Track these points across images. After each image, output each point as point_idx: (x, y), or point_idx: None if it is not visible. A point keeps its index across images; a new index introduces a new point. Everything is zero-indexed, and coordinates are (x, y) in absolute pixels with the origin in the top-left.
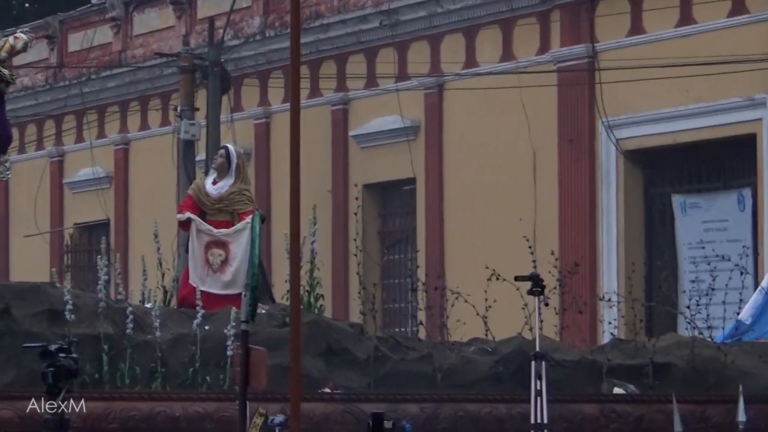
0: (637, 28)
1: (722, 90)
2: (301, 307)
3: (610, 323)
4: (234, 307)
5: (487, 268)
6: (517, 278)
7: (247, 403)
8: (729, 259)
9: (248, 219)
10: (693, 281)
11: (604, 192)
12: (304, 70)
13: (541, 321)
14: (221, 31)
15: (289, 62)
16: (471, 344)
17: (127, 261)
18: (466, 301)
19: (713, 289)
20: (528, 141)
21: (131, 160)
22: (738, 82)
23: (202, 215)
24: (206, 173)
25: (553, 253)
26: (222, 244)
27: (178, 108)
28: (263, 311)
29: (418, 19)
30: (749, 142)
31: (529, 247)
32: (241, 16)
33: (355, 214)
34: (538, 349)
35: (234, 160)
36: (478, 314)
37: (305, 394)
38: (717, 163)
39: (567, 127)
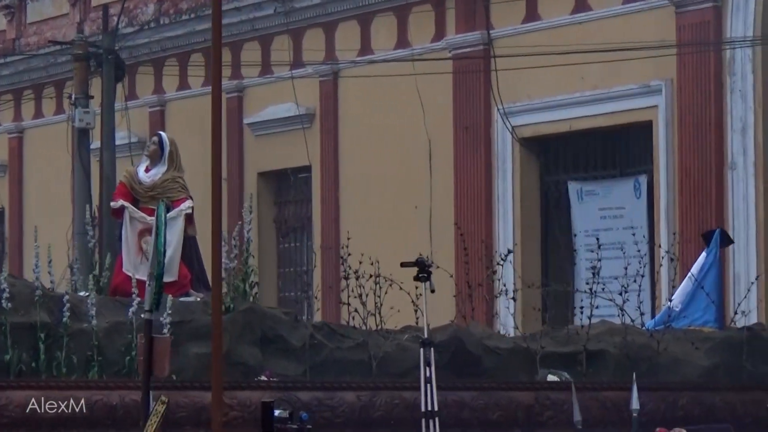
0: (532, 14)
1: (618, 77)
2: (235, 295)
3: (541, 310)
4: (170, 295)
5: (420, 254)
6: (403, 264)
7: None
8: (663, 246)
9: (182, 207)
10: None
11: (499, 180)
12: (199, 58)
13: (474, 309)
14: (115, 18)
15: (183, 50)
16: (405, 332)
17: (21, 250)
18: (401, 288)
19: (616, 278)
20: (423, 129)
21: (25, 149)
22: (634, 68)
23: (135, 203)
24: (101, 161)
25: (483, 241)
26: (151, 232)
27: (73, 96)
28: (198, 299)
29: (312, 6)
30: (645, 128)
31: (461, 234)
32: (136, 3)
33: (290, 202)
34: (426, 335)
35: (167, 148)
36: (411, 301)
37: (242, 382)
38: (613, 150)
39: (462, 115)
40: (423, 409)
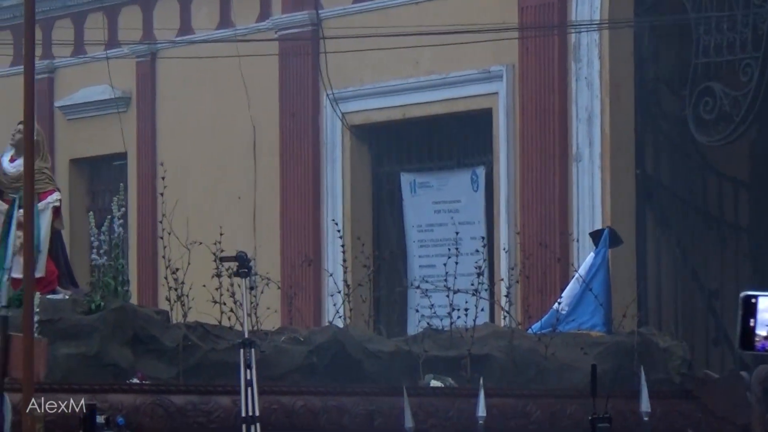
0: None
1: (456, 62)
2: (105, 293)
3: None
4: (38, 293)
5: (306, 256)
6: (222, 259)
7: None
8: (503, 244)
9: (49, 199)
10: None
11: (328, 170)
12: (7, 36)
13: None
14: None
15: None
16: (282, 333)
17: None
18: (279, 287)
19: (452, 277)
20: (247, 114)
21: None
22: (473, 53)
23: (0, 194)
24: None
25: (359, 239)
26: (22, 225)
27: None
28: (66, 297)
29: None
30: (485, 117)
31: (339, 232)
32: None
33: (161, 194)
34: (246, 335)
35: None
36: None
37: (113, 384)
38: (450, 139)
39: (289, 100)
40: (243, 414)
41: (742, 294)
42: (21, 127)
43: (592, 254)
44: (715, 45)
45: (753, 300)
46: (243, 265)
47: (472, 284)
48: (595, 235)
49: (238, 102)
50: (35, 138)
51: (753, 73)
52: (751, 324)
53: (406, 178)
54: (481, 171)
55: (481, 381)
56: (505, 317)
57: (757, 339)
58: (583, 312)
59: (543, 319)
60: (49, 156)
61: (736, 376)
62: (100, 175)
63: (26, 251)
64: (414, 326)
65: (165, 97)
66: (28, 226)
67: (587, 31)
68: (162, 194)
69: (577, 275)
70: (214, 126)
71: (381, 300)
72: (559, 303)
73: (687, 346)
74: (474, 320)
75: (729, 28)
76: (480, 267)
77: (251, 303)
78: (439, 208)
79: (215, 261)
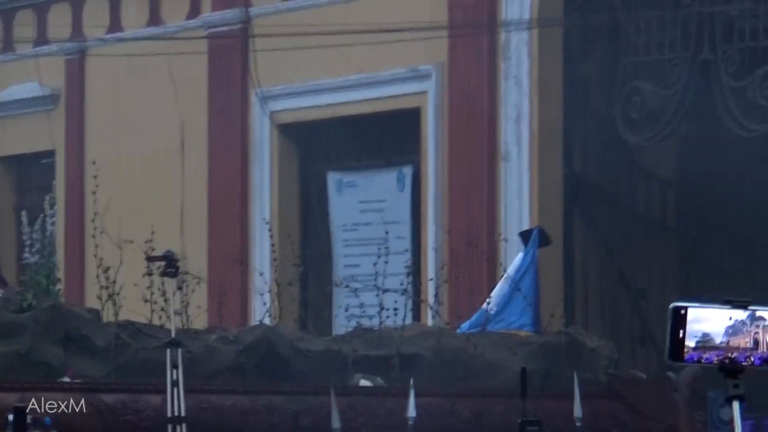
0: None
1: (385, 60)
2: (37, 291)
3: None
4: None
5: (234, 255)
6: (150, 258)
7: None
8: (430, 243)
9: None
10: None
11: (256, 168)
12: None
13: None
14: None
15: None
16: (212, 332)
17: None
18: (206, 283)
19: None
20: (176, 112)
21: None
22: (402, 51)
23: None
24: None
25: (290, 237)
26: None
27: None
28: None
29: None
30: (413, 116)
31: (269, 230)
32: None
33: (93, 192)
34: (174, 335)
35: None
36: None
37: (44, 382)
38: (378, 138)
39: (218, 98)
40: (169, 414)
41: (672, 305)
42: None
43: (521, 254)
44: (644, 44)
45: (682, 311)
46: (170, 265)
47: (402, 284)
48: (525, 235)
49: (167, 100)
50: None
51: (681, 73)
52: (681, 335)
53: (333, 177)
54: (408, 170)
55: (411, 382)
56: (433, 317)
57: (686, 350)
58: (512, 312)
59: (472, 319)
60: None
61: (663, 377)
62: (27, 173)
63: None
64: (341, 326)
65: (94, 95)
66: None
67: (517, 29)
68: (94, 192)
69: (506, 275)
70: (143, 124)
71: (308, 299)
72: (488, 303)
73: (614, 346)
74: (403, 320)
75: (658, 28)
76: (410, 266)
77: (182, 302)
78: (364, 208)
79: (145, 260)
